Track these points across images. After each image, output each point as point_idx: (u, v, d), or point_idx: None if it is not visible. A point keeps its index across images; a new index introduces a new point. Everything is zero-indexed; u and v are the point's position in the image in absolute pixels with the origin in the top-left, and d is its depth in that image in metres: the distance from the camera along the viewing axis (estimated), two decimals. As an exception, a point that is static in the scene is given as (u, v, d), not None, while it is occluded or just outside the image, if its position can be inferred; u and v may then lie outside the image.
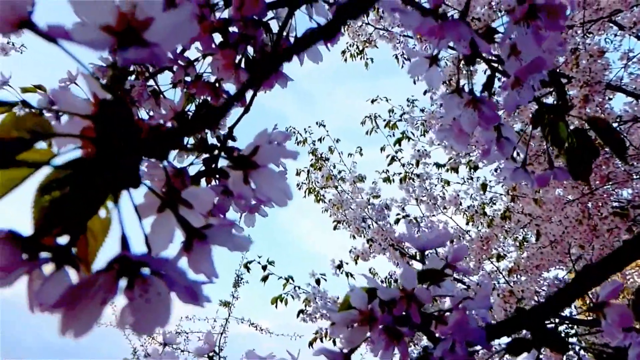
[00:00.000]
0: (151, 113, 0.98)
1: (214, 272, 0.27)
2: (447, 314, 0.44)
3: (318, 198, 3.72)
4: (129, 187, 0.24)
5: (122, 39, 0.20)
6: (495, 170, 2.64)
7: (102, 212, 0.27)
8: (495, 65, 0.53)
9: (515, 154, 0.58)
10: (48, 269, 0.23)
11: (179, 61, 0.69)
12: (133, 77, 0.84)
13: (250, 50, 0.63)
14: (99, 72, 0.84)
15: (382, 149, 3.64)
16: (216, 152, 0.57)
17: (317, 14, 0.59)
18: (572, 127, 0.57)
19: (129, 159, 0.23)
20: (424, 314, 0.45)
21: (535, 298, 2.55)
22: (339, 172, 3.74)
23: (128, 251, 0.20)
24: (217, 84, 0.69)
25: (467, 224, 3.40)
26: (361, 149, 3.87)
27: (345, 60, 3.54)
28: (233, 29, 0.60)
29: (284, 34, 0.59)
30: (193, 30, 0.20)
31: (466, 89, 0.49)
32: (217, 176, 0.61)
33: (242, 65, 0.59)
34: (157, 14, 0.20)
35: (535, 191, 2.54)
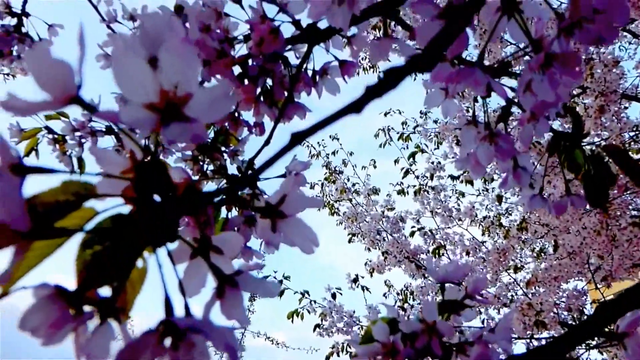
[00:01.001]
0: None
1: (245, 319, 0.28)
2: (468, 345, 0.45)
3: (332, 211, 3.73)
4: (167, 242, 0.26)
5: (164, 115, 0.21)
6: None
7: (138, 262, 0.29)
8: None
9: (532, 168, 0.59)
10: (92, 321, 0.25)
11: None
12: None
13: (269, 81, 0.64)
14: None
15: (396, 161, 3.64)
16: (237, 181, 0.59)
17: (334, 46, 0.61)
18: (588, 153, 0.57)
19: (167, 217, 0.25)
20: (445, 345, 0.45)
21: (555, 310, 2.52)
22: (353, 185, 3.75)
23: (172, 315, 0.22)
24: (236, 114, 0.71)
25: (483, 235, 3.38)
26: (375, 162, 3.88)
27: (358, 73, 3.57)
28: (252, 62, 0.62)
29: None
30: (230, 105, 0.22)
31: (481, 111, 0.50)
32: (238, 205, 0.63)
33: (262, 98, 0.61)
34: (196, 89, 0.22)
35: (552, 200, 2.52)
